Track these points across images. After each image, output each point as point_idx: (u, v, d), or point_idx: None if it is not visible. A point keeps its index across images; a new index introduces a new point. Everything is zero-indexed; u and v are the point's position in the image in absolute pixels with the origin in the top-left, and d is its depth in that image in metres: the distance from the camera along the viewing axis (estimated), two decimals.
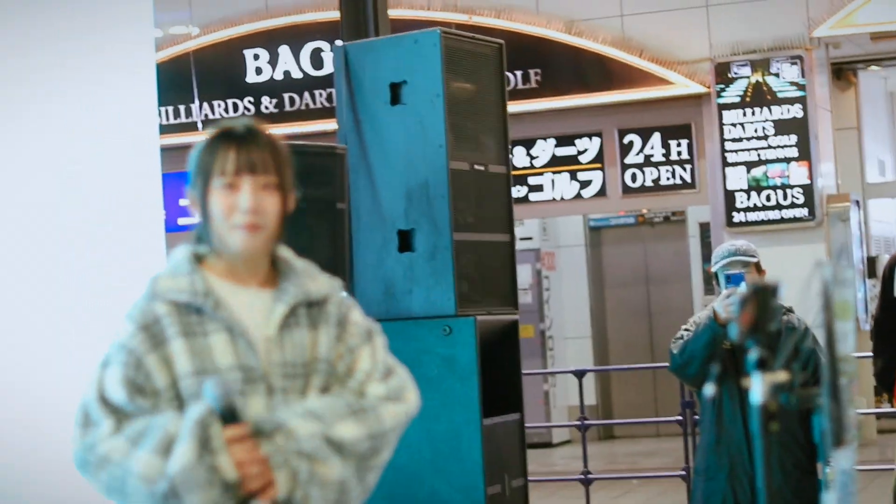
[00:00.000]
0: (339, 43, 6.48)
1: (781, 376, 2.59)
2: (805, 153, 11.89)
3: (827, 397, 2.59)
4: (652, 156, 12.60)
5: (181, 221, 13.64)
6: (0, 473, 4.49)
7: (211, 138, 2.73)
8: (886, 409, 7.04)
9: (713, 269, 5.66)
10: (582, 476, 8.66)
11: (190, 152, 2.76)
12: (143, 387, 2.65)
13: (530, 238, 15.01)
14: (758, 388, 2.52)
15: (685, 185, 12.58)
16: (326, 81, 12.73)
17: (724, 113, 12.05)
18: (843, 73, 13.00)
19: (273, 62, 13.24)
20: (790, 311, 5.50)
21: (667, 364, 5.76)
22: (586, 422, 8.60)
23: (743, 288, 5.41)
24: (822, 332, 2.62)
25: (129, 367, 2.64)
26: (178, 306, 2.67)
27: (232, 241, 2.69)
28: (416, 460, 5.92)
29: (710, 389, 2.76)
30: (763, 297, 2.50)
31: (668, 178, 12.59)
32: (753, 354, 2.49)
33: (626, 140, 12.68)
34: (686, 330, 5.62)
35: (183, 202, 2.79)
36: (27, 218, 4.65)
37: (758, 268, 5.60)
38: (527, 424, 6.37)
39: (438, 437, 5.91)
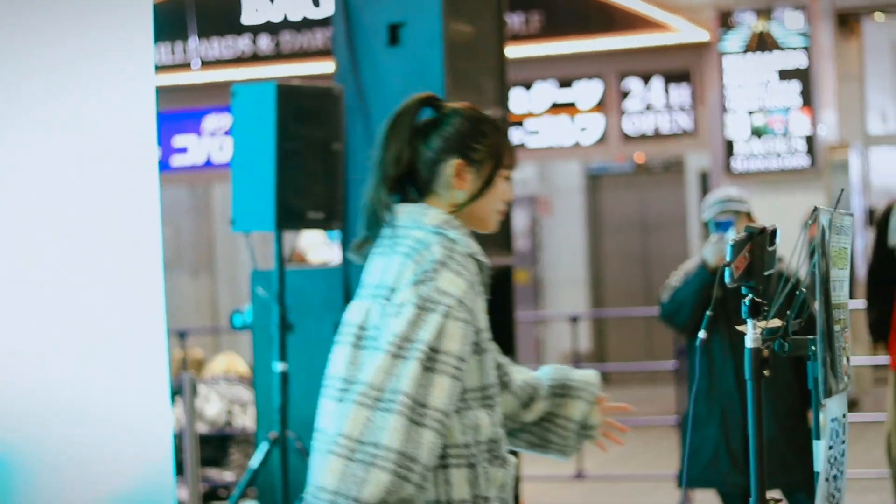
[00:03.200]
0: None
1: (775, 323, 2.56)
2: (807, 102, 11.82)
3: (820, 345, 2.56)
4: (652, 102, 12.53)
5: (174, 162, 13.59)
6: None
7: (502, 127, 2.95)
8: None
9: (704, 217, 5.63)
10: None
11: (477, 128, 2.85)
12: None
13: (526, 183, 14.96)
14: (750, 333, 2.49)
15: (685, 132, 12.52)
16: (324, 22, 12.63)
17: (726, 60, 11.96)
18: (847, 22, 12.90)
19: (271, 1, 13.13)
20: (780, 259, 5.46)
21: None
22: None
23: (731, 234, 5.42)
24: (816, 279, 2.59)
25: (469, 326, 2.69)
26: (477, 264, 2.78)
27: (491, 222, 2.89)
28: None
29: (702, 334, 2.73)
30: (759, 242, 2.47)
31: (668, 125, 12.52)
32: (747, 300, 2.47)
33: (626, 86, 12.61)
34: (676, 278, 5.60)
35: (453, 168, 2.82)
36: (21, 150, 4.62)
37: (748, 216, 5.56)
38: None
39: None
